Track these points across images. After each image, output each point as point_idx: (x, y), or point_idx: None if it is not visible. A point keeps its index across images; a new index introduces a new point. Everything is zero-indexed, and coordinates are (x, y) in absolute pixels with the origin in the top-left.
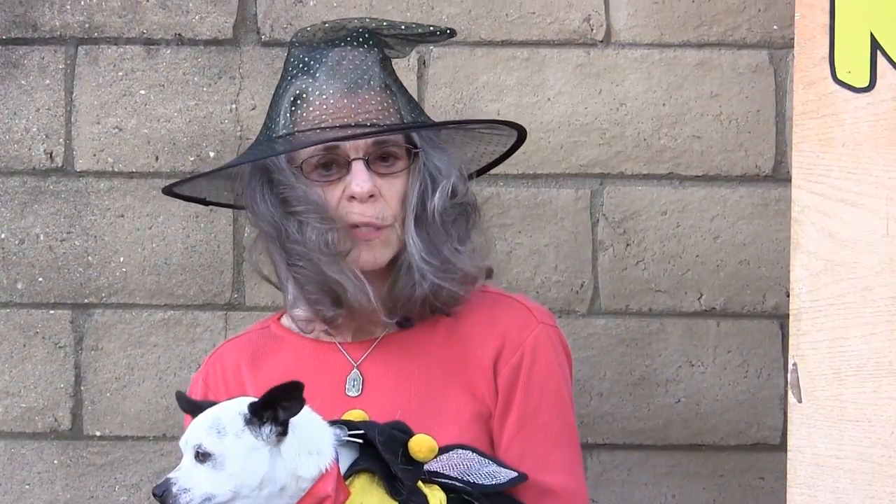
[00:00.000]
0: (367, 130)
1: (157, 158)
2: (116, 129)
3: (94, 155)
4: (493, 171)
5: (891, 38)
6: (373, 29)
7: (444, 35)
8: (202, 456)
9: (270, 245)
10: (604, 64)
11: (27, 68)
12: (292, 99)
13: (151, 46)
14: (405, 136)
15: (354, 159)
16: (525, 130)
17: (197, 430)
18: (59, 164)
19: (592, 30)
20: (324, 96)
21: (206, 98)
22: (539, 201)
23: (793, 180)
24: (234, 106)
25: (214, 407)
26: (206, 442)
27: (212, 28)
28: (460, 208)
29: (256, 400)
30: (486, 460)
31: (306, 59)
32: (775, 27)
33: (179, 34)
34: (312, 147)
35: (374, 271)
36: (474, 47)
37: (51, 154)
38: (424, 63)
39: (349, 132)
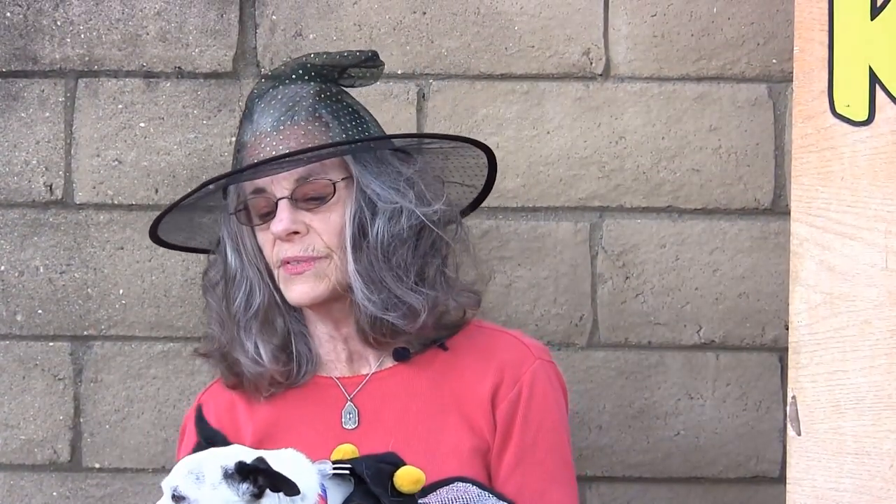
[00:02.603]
0: (262, 163)
1: (156, 191)
2: (116, 162)
3: (94, 187)
4: (492, 204)
5: (889, 71)
6: (314, 63)
7: (370, 62)
8: (177, 498)
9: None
10: (603, 97)
11: (27, 101)
12: (238, 146)
13: (151, 79)
14: (341, 164)
15: (280, 199)
16: (487, 147)
17: (177, 473)
18: (59, 197)
19: (592, 63)
20: (254, 137)
21: (205, 131)
22: (538, 234)
23: (792, 213)
24: (233, 139)
25: (201, 453)
26: (182, 486)
27: (211, 61)
28: (412, 232)
29: (247, 463)
30: (486, 493)
31: (250, 104)
32: (774, 61)
33: (179, 67)
34: (244, 194)
35: (339, 307)
36: (474, 80)
37: (50, 186)
38: (424, 96)
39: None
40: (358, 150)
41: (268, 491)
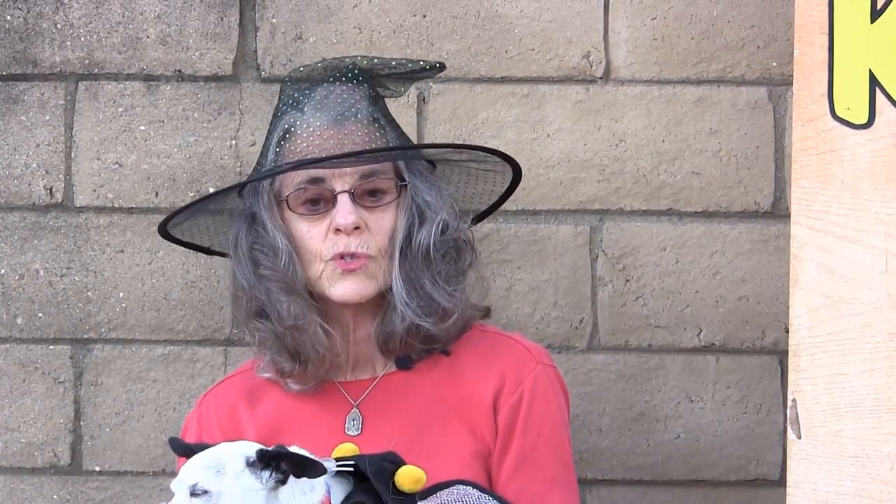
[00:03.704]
0: (348, 154)
1: (156, 194)
2: (116, 165)
3: (94, 190)
4: None
5: (889, 74)
6: (363, 67)
7: (434, 70)
8: (198, 493)
9: (239, 293)
10: (603, 100)
11: (27, 104)
12: (281, 134)
13: (151, 82)
14: (394, 170)
15: (340, 192)
16: (518, 165)
17: (193, 469)
18: (59, 200)
19: (592, 66)
20: (310, 129)
21: (205, 134)
22: (538, 237)
23: (792, 216)
24: (233, 142)
25: (212, 448)
26: (202, 480)
27: (212, 64)
28: (451, 245)
29: (269, 449)
30: (486, 496)
31: (296, 95)
32: (774, 64)
33: (179, 70)
34: (298, 180)
35: (366, 308)
36: (474, 84)
37: (51, 190)
38: (424, 99)
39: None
40: (437, 155)
41: (290, 478)
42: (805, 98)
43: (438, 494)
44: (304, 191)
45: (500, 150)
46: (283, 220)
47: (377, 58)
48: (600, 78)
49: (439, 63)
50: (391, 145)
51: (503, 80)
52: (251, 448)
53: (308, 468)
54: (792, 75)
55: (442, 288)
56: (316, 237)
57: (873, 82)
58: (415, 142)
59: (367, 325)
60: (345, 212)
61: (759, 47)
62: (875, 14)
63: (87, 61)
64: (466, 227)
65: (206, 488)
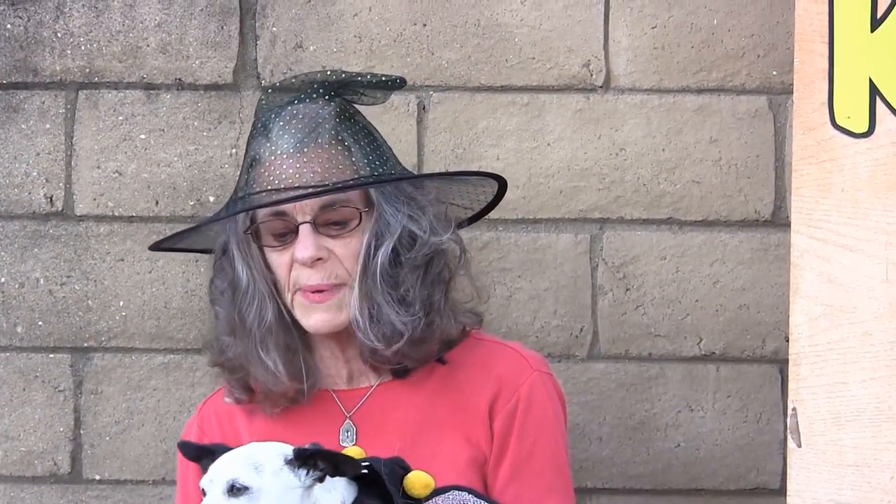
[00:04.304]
0: (288, 196)
1: (157, 203)
2: (116, 174)
3: (95, 199)
4: (492, 216)
5: (890, 83)
6: (332, 81)
7: (395, 86)
8: (237, 490)
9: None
10: (603, 109)
11: (28, 112)
12: (249, 161)
13: (152, 91)
14: (361, 192)
15: (302, 223)
16: (502, 178)
17: (231, 466)
18: (60, 208)
19: (592, 75)
20: (272, 157)
21: (206, 143)
22: (539, 246)
23: (792, 225)
24: (234, 150)
25: (243, 447)
26: (242, 476)
27: (212, 73)
28: (422, 261)
29: (306, 448)
30: (482, 501)
31: (265, 119)
32: (774, 73)
33: (180, 79)
34: (263, 212)
35: (349, 330)
36: (474, 92)
37: (51, 198)
38: (424, 108)
39: (281, 196)
40: (383, 184)
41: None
42: (805, 107)
43: (435, 500)
44: (269, 223)
45: (492, 171)
46: (261, 249)
47: (345, 72)
48: (600, 87)
49: (399, 78)
50: (357, 167)
51: (503, 89)
52: (285, 447)
53: (344, 466)
54: (792, 84)
55: (410, 313)
56: (282, 267)
57: (873, 91)
58: (414, 147)
59: (355, 344)
60: (302, 246)
61: (759, 56)
62: (875, 23)
63: (87, 70)
64: (448, 237)
65: (246, 484)
